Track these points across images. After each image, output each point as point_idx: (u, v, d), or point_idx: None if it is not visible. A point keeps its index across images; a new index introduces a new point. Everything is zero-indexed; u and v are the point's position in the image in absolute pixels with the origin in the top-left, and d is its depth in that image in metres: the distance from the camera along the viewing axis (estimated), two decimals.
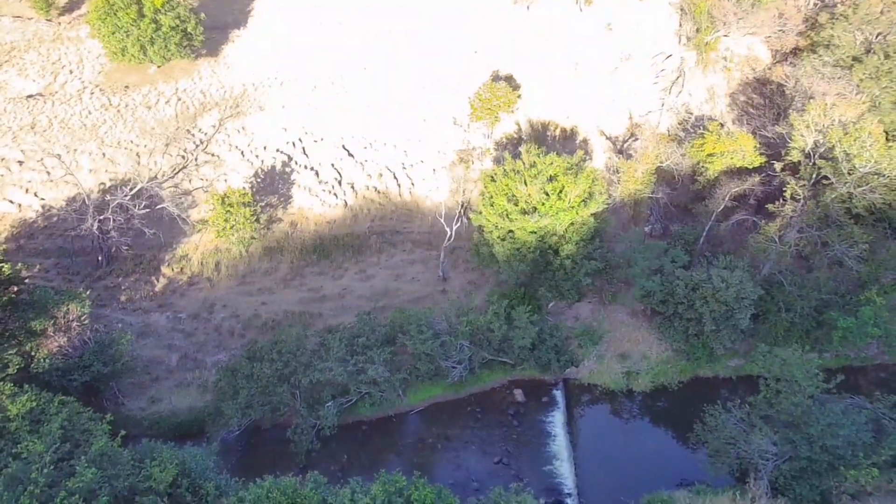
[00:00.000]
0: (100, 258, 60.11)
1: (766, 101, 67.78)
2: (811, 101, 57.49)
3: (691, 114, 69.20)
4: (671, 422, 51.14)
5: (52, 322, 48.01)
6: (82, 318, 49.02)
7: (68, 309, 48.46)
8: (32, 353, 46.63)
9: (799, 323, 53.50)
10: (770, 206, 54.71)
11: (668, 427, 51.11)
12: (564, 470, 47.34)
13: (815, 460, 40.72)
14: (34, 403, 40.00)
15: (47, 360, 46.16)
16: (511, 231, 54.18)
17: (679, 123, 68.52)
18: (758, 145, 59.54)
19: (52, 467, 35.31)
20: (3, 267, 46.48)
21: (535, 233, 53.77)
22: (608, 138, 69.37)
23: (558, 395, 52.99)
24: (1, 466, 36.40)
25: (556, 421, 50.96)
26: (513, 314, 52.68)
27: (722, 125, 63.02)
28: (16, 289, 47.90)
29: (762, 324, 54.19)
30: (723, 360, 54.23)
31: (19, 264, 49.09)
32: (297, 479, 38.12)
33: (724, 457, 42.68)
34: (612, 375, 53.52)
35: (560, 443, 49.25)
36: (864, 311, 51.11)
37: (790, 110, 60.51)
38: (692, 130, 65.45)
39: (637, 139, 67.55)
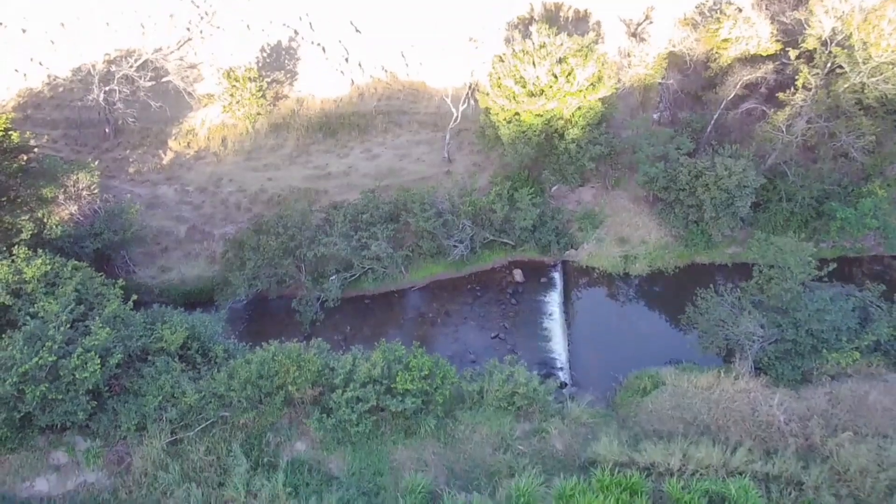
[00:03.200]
0: (107, 130, 60.40)
1: None
2: None
3: None
4: (665, 305, 52.57)
5: (63, 190, 48.94)
6: (92, 188, 49.93)
7: (77, 178, 49.28)
8: (44, 220, 47.65)
9: (799, 213, 54.02)
10: (781, 95, 53.98)
11: (661, 310, 52.61)
12: (558, 346, 49.17)
13: (799, 343, 42.19)
14: (48, 267, 41.29)
15: (59, 227, 47.26)
16: (517, 114, 53.87)
17: (696, 7, 66.32)
18: (774, 32, 58.02)
19: (68, 326, 37.08)
20: (11, 135, 46.81)
21: (542, 116, 53.50)
22: (622, 21, 67.50)
23: (556, 276, 54.25)
24: (20, 324, 38.26)
25: (553, 301, 52.44)
26: (515, 196, 53.25)
27: (740, 10, 61.10)
28: (25, 157, 48.43)
29: (762, 212, 54.73)
30: (720, 247, 55.09)
31: (27, 133, 49.50)
32: (301, 344, 40.03)
33: (713, 337, 44.16)
34: (610, 259, 54.56)
35: (555, 321, 50.90)
36: (865, 203, 51.43)
37: None
38: (709, 14, 63.51)
39: (651, 22, 65.78)
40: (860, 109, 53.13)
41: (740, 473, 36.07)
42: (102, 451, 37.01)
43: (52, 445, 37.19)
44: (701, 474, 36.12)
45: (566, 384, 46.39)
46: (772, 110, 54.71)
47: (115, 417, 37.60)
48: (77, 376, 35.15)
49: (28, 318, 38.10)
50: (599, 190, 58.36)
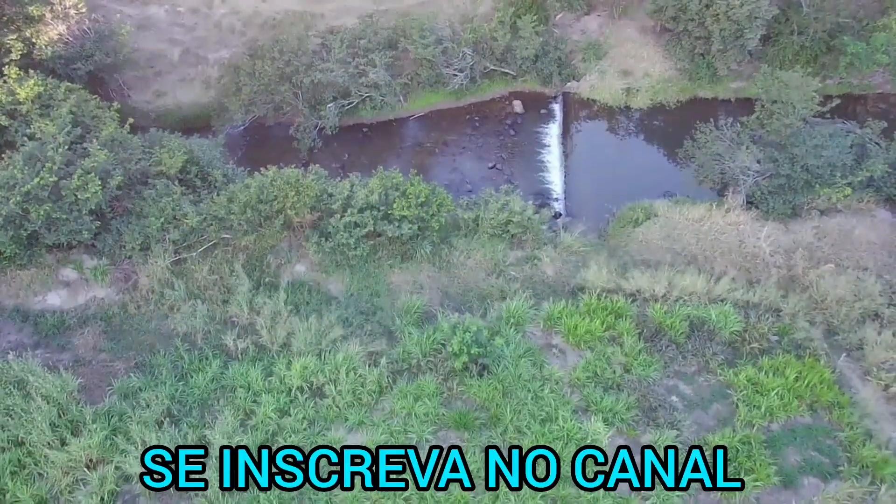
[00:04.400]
0: None
1: None
2: None
3: None
4: (664, 139, 52.33)
5: (49, 8, 47.26)
6: (79, 6, 48.23)
7: None
8: (33, 41, 46.45)
9: (809, 47, 52.52)
10: None
11: (660, 144, 52.44)
12: (555, 178, 49.56)
13: (793, 178, 42.48)
14: (42, 88, 40.99)
15: (49, 48, 46.21)
16: None
17: None
18: None
19: (66, 147, 37.30)
20: None
21: None
22: None
23: (556, 108, 53.58)
24: (18, 145, 38.47)
25: (552, 132, 52.18)
26: (518, 23, 51.57)
27: None
28: None
29: (771, 46, 53.19)
30: (724, 82, 53.92)
31: None
32: (300, 171, 40.40)
33: (709, 171, 44.39)
34: (612, 91, 53.52)
35: (553, 153, 50.95)
36: (877, 37, 49.84)
37: None
38: None
39: None
40: None
41: (722, 300, 37.74)
42: (109, 268, 38.45)
43: (60, 263, 38.58)
44: (684, 301, 37.76)
45: (560, 214, 47.26)
46: None
47: (119, 237, 38.70)
48: (79, 196, 35.82)
49: (25, 139, 38.25)
50: (605, 19, 56.35)
